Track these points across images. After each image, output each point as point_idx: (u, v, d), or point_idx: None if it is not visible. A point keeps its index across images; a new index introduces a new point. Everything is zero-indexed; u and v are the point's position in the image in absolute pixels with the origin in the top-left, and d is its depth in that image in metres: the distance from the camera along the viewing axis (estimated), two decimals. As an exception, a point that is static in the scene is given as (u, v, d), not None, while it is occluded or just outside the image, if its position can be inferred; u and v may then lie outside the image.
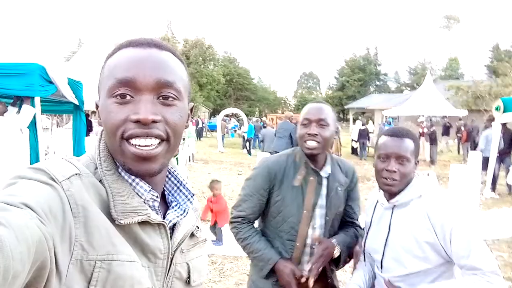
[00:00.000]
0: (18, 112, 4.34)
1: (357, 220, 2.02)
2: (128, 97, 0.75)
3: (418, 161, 1.67)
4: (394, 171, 1.59)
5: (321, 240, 1.81)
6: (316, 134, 1.77)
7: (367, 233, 1.78)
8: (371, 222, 1.77)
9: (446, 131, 17.17)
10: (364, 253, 1.82)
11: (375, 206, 1.78)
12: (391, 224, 1.65)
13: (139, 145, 0.74)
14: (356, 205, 2.01)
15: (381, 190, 1.71)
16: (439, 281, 1.56)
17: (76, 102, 5.35)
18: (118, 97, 0.75)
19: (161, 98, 0.77)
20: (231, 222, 1.96)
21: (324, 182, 1.88)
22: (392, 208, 1.66)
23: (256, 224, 2.01)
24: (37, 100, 4.44)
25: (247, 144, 17.84)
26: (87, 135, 8.12)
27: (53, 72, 4.47)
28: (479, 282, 1.43)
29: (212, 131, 27.81)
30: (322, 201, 1.87)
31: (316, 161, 1.86)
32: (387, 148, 1.63)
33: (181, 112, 0.80)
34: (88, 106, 7.17)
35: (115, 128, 0.74)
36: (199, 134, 25.08)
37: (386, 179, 1.61)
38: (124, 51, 0.79)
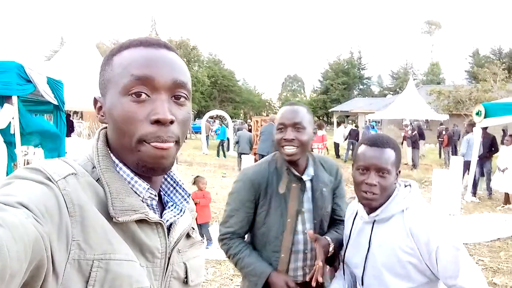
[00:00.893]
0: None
1: (343, 216, 1.96)
2: (143, 95, 0.75)
3: (399, 172, 1.57)
4: (374, 185, 1.49)
5: (316, 237, 1.74)
6: (293, 139, 1.70)
7: (347, 245, 1.70)
8: (350, 234, 1.68)
9: (421, 136, 17.37)
10: (343, 264, 1.74)
11: (354, 218, 1.69)
12: (371, 240, 1.55)
13: (157, 147, 0.75)
14: (342, 202, 1.97)
15: (360, 204, 1.62)
16: None
17: (55, 102, 5.21)
18: (134, 95, 0.75)
19: (173, 98, 0.78)
20: (220, 240, 1.88)
21: (308, 185, 1.83)
22: (373, 223, 1.57)
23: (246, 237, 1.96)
24: (15, 99, 4.31)
25: (221, 147, 17.43)
26: (68, 135, 7.95)
27: (30, 71, 4.34)
28: None
29: (197, 133, 27.62)
30: (308, 205, 1.82)
31: (297, 165, 1.80)
32: (366, 159, 1.52)
33: (189, 112, 0.83)
34: (69, 106, 7.01)
35: (134, 128, 0.75)
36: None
37: (365, 192, 1.51)
38: (136, 50, 0.79)
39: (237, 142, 12.95)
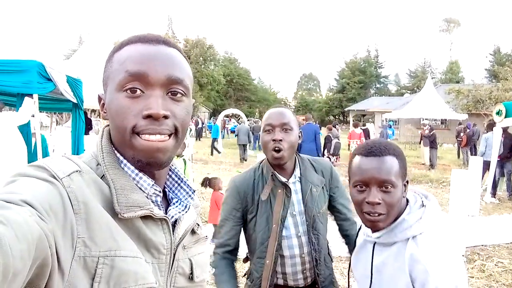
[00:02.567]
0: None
1: (348, 213, 1.94)
2: (138, 91, 0.76)
3: (407, 182, 1.32)
4: (378, 203, 1.23)
5: None
6: (281, 140, 1.69)
7: (351, 258, 1.53)
8: (354, 247, 1.50)
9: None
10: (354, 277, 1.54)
11: (358, 230, 1.51)
12: (373, 263, 1.34)
13: (150, 140, 0.75)
14: (345, 200, 1.93)
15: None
16: None
17: (74, 100, 5.30)
18: (129, 91, 0.75)
19: (170, 94, 0.78)
20: (213, 254, 1.83)
21: (298, 186, 1.80)
22: (374, 244, 1.35)
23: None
24: (35, 97, 4.39)
25: (214, 144, 17.49)
26: (87, 133, 8.08)
27: (51, 69, 4.42)
28: None
29: (232, 132, 27.59)
30: (300, 207, 1.79)
31: (283, 169, 1.78)
32: (363, 173, 1.26)
33: (188, 108, 0.82)
34: (88, 104, 7.12)
35: (127, 123, 0.75)
36: (198, 135, 24.97)
37: (368, 214, 1.25)
38: (134, 46, 0.79)
39: (236, 135, 15.03)
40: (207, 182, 5.17)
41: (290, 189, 1.77)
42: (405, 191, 1.29)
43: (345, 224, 1.94)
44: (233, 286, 1.75)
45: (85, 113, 6.19)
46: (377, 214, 1.24)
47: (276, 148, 1.69)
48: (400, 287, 1.21)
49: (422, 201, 1.33)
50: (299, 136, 1.81)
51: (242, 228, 1.86)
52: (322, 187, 1.85)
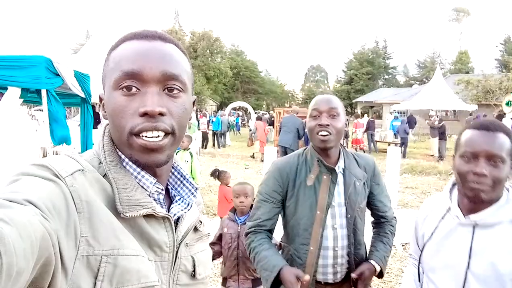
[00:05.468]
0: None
1: (389, 211, 1.93)
2: (134, 89, 0.75)
3: None
4: (485, 175, 1.23)
5: (360, 273, 1.70)
6: (328, 125, 1.67)
7: (424, 247, 1.47)
8: (432, 234, 1.44)
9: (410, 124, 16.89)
10: (418, 268, 1.53)
11: (442, 217, 1.44)
12: (472, 247, 1.30)
13: (146, 136, 0.75)
14: (384, 197, 1.92)
15: (453, 199, 1.40)
16: None
17: (82, 95, 5.33)
18: (124, 89, 0.75)
19: (166, 90, 0.78)
20: (246, 234, 1.82)
21: (340, 178, 1.78)
22: (473, 227, 1.32)
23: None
24: (44, 92, 4.42)
25: (214, 137, 17.64)
26: (95, 127, 8.13)
27: (59, 65, 4.44)
28: None
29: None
30: (340, 198, 1.76)
31: (329, 156, 1.76)
32: (474, 145, 1.27)
33: (186, 104, 0.81)
34: (96, 98, 7.15)
35: (124, 122, 0.75)
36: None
37: (474, 182, 1.26)
38: (129, 43, 0.79)
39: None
40: (217, 174, 5.17)
41: (336, 175, 1.75)
42: (511, 172, 1.29)
43: (382, 220, 1.93)
44: (281, 258, 1.71)
45: (93, 108, 6.22)
46: (482, 185, 1.25)
47: (323, 133, 1.68)
48: (507, 269, 1.22)
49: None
50: (346, 124, 1.80)
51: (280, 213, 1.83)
52: (364, 183, 1.83)
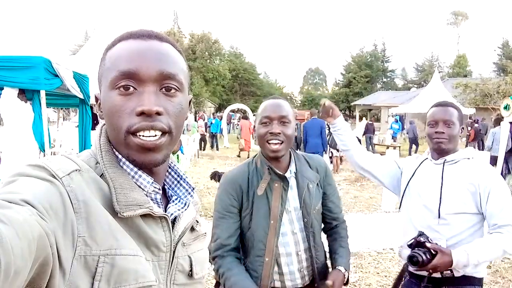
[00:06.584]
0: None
1: (340, 214, 1.92)
2: (131, 88, 0.75)
3: (463, 128, 1.98)
4: (442, 132, 1.91)
5: (333, 281, 1.67)
6: (279, 133, 1.64)
7: (408, 182, 2.06)
8: (414, 173, 2.06)
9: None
10: (402, 197, 2.10)
11: (421, 163, 2.07)
12: (443, 177, 1.94)
13: (143, 136, 0.75)
14: (336, 198, 1.90)
15: (429, 152, 2.06)
16: (476, 227, 1.89)
17: (81, 96, 5.32)
18: (122, 88, 0.75)
19: (163, 89, 0.78)
20: (212, 258, 1.71)
21: (293, 182, 1.75)
22: (443, 163, 1.97)
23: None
24: (43, 93, 4.41)
25: (213, 139, 17.67)
26: (93, 129, 8.12)
27: (58, 66, 4.44)
28: (506, 235, 1.74)
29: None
30: (295, 203, 1.74)
31: (279, 162, 1.73)
32: (435, 115, 1.96)
33: (183, 104, 0.81)
34: (94, 99, 7.13)
35: (122, 122, 0.75)
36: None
37: (437, 139, 1.93)
38: (125, 43, 0.79)
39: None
40: (217, 176, 5.17)
41: (288, 182, 1.72)
42: (461, 132, 1.98)
43: (334, 223, 1.91)
44: (252, 282, 1.63)
45: (92, 109, 6.21)
46: (442, 139, 1.92)
47: (274, 141, 1.65)
48: (467, 185, 1.87)
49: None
50: (295, 129, 1.77)
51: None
52: (317, 184, 1.81)
